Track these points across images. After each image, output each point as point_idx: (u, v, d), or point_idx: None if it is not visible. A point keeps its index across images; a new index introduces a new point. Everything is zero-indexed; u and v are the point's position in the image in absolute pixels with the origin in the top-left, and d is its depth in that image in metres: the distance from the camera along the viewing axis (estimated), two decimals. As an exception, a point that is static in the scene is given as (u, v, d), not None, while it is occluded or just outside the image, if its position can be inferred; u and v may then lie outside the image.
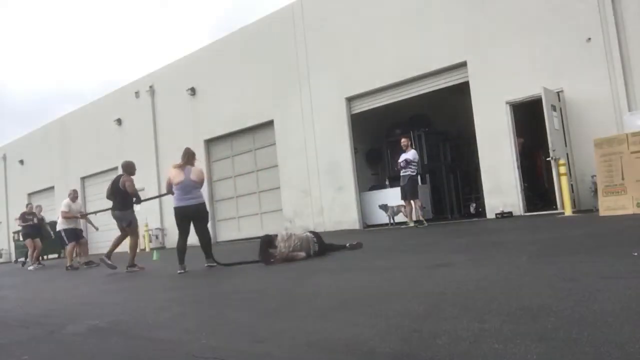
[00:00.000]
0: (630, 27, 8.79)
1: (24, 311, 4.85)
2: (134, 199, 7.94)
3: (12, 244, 21.98)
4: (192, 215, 6.58)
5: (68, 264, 10.66)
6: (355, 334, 2.42)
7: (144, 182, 18.08)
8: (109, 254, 8.32)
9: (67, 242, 10.98)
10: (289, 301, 3.61)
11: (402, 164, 10.44)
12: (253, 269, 6.34)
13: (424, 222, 10.45)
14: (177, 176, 6.52)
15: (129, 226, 8.10)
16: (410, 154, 10.46)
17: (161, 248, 16.34)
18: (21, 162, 24.83)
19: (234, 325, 3.00)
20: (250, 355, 2.34)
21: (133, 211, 8.19)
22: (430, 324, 2.40)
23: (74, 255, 11.47)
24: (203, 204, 6.76)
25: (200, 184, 6.72)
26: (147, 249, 15.58)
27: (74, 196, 11.33)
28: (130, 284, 6.51)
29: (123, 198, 7.90)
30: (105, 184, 21.95)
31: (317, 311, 3.10)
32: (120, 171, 8.59)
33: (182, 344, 2.68)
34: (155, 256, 11.22)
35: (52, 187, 23.02)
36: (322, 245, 6.58)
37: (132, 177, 7.99)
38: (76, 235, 11.12)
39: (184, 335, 2.91)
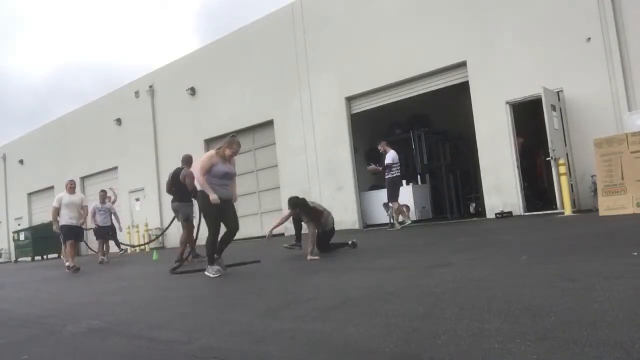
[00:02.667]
0: (630, 27, 8.79)
1: (24, 311, 4.85)
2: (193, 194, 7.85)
3: (12, 244, 21.98)
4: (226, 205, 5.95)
5: (70, 265, 9.37)
6: (355, 334, 2.43)
7: (144, 182, 18.13)
8: (192, 252, 8.16)
9: (62, 240, 9.80)
10: (289, 301, 3.60)
11: (386, 171, 10.29)
12: (253, 269, 6.34)
13: (405, 222, 10.25)
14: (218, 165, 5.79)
15: (186, 220, 8.03)
16: (389, 157, 10.28)
17: (161, 248, 16.33)
18: (21, 162, 24.84)
19: (234, 325, 3.00)
20: (250, 355, 2.34)
21: (192, 205, 8.11)
22: (430, 324, 2.40)
23: (103, 252, 11.56)
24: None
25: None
26: (147, 249, 15.56)
27: (71, 187, 9.57)
28: (131, 284, 6.51)
29: (182, 191, 7.98)
30: (105, 184, 21.95)
31: (317, 311, 3.10)
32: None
33: (182, 344, 2.68)
34: (155, 256, 11.23)
35: (52, 187, 23.01)
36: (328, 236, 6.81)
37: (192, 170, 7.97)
38: (74, 233, 9.60)
39: (184, 335, 2.91)
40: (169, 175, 8.62)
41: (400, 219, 10.25)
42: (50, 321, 3.98)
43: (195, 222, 7.89)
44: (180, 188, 8.08)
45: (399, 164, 10.37)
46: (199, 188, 5.93)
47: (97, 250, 11.98)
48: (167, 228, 10.84)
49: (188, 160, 8.34)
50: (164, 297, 4.78)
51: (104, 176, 20.24)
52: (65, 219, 9.25)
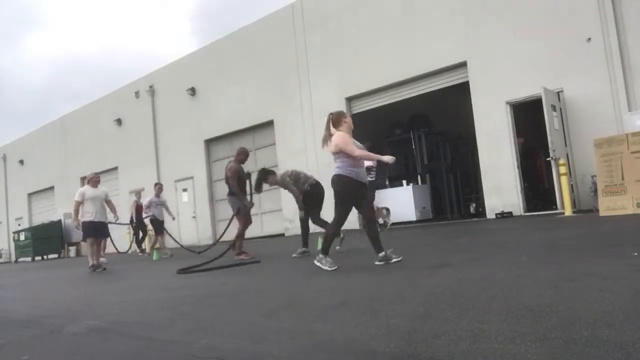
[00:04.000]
0: (630, 27, 8.79)
1: (24, 311, 4.85)
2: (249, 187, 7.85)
3: (12, 244, 21.97)
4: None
5: (91, 262, 8.78)
6: (355, 334, 2.42)
7: (144, 182, 18.13)
8: (238, 249, 7.94)
9: (82, 237, 9.11)
10: (289, 301, 3.60)
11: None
12: (253, 269, 6.34)
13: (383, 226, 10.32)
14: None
15: (237, 214, 7.94)
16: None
17: (160, 248, 16.29)
18: (21, 162, 24.85)
19: (234, 325, 3.00)
20: (250, 355, 2.34)
21: (243, 199, 7.94)
22: (430, 324, 2.40)
23: (156, 245, 11.39)
24: (335, 175, 5.04)
25: (338, 153, 4.99)
26: (148, 249, 15.53)
27: (95, 180, 8.92)
28: (131, 284, 6.51)
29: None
30: (105, 184, 21.92)
31: (317, 311, 3.10)
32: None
33: (182, 344, 2.68)
34: (155, 256, 11.23)
35: (52, 187, 23.02)
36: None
37: (241, 164, 7.92)
38: (96, 230, 8.81)
39: (184, 335, 2.91)
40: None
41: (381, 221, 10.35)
42: (50, 321, 3.98)
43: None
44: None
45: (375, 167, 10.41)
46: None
47: (157, 245, 11.68)
48: (229, 224, 9.71)
49: (237, 153, 8.17)
50: (164, 297, 4.77)
51: (104, 176, 20.21)
52: (88, 214, 8.60)
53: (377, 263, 4.96)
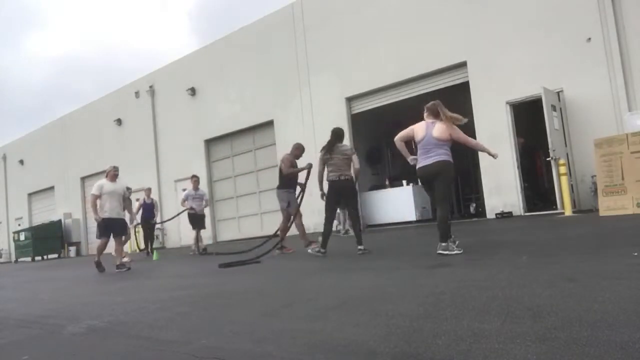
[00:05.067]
0: (630, 27, 8.79)
1: (24, 311, 4.85)
2: (299, 181, 7.76)
3: (12, 244, 21.97)
4: (428, 177, 5.33)
5: (96, 259, 8.32)
6: (355, 334, 2.43)
7: (144, 182, 18.12)
8: (280, 244, 7.94)
9: (97, 235, 8.44)
10: (289, 301, 3.60)
11: None
12: (253, 269, 6.34)
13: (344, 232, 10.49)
14: (419, 132, 5.31)
15: (288, 206, 7.89)
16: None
17: (161, 248, 16.32)
18: (21, 162, 24.85)
19: (234, 325, 3.00)
20: (250, 355, 2.34)
21: (293, 192, 7.91)
22: (430, 324, 2.40)
23: (197, 242, 10.81)
24: (447, 161, 5.19)
25: (447, 141, 5.22)
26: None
27: (113, 174, 8.42)
28: (131, 283, 6.51)
29: (282, 177, 7.90)
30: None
31: (317, 311, 3.10)
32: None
33: (182, 344, 2.68)
34: (155, 256, 11.23)
35: (52, 187, 23.02)
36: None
37: (296, 157, 7.91)
38: (114, 228, 8.18)
39: (184, 335, 2.91)
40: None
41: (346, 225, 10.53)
42: (50, 321, 3.98)
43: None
44: (281, 174, 7.99)
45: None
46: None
47: (193, 241, 11.13)
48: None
49: (293, 148, 8.09)
50: (164, 297, 4.77)
51: (104, 176, 20.22)
52: (104, 210, 8.00)
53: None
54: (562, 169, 8.63)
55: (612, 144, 7.45)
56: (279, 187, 7.99)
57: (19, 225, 24.48)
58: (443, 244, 5.06)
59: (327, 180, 6.50)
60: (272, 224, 14.81)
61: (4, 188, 26.28)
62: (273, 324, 2.92)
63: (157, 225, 12.73)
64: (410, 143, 5.49)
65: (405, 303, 2.96)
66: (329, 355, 2.18)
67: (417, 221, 11.74)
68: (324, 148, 6.53)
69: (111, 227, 8.05)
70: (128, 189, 9.46)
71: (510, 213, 9.93)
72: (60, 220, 21.13)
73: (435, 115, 5.30)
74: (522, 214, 9.86)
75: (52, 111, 71.08)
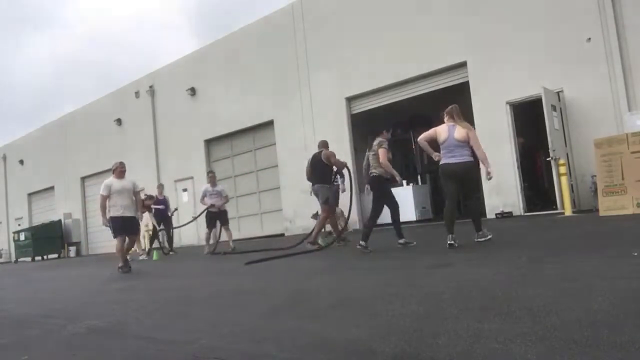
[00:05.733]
0: (630, 27, 8.78)
1: (24, 311, 4.85)
2: (336, 174, 7.96)
3: (12, 244, 21.97)
4: (457, 175, 5.79)
5: (120, 264, 7.79)
6: (355, 334, 2.43)
7: (144, 182, 18.11)
8: (313, 239, 7.87)
9: (113, 235, 7.88)
10: (289, 301, 3.60)
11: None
12: (253, 268, 6.34)
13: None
14: (442, 134, 5.88)
15: (325, 203, 7.90)
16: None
17: (160, 248, 16.29)
18: (21, 162, 24.84)
19: (234, 325, 3.00)
20: (250, 355, 2.34)
21: (330, 188, 8.05)
22: (430, 324, 2.40)
23: (209, 241, 10.25)
24: (473, 162, 5.86)
25: (466, 142, 5.77)
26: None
27: (120, 170, 7.94)
28: (130, 284, 6.51)
29: (322, 172, 8.01)
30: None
31: (317, 311, 3.10)
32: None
33: (182, 344, 2.68)
34: (155, 256, 11.23)
35: (52, 187, 23.02)
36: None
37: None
38: (127, 226, 7.70)
39: (184, 335, 2.91)
40: (307, 162, 8.59)
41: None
42: (50, 321, 3.98)
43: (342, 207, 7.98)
44: (320, 169, 8.08)
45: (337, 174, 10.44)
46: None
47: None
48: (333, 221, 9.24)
49: (326, 144, 8.41)
50: (164, 297, 4.77)
51: (104, 176, 20.13)
52: (116, 209, 7.56)
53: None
54: (562, 169, 8.62)
55: (612, 144, 7.45)
56: (322, 182, 8.00)
57: (19, 225, 24.48)
58: (480, 232, 5.78)
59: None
60: (272, 224, 14.84)
61: (4, 188, 26.28)
62: (273, 324, 2.92)
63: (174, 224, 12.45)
64: (432, 142, 6.02)
65: (405, 303, 2.96)
66: (329, 355, 2.18)
67: (417, 221, 11.73)
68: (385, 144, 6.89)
69: (124, 226, 7.59)
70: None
71: (510, 213, 9.93)
72: (60, 220, 21.13)
73: (452, 117, 5.92)
74: (522, 214, 9.86)
75: (52, 111, 71.10)
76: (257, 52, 14.68)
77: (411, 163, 13.85)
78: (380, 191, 6.75)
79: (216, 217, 10.32)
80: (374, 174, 6.63)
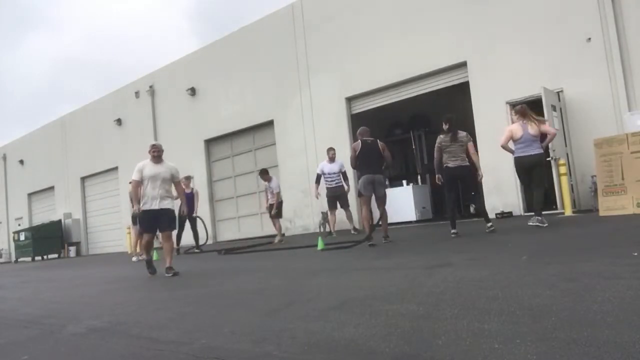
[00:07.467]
0: (630, 27, 8.79)
1: (24, 311, 4.85)
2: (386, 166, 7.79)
3: (12, 244, 21.97)
4: (530, 166, 6.82)
5: (141, 257, 7.06)
6: (355, 334, 2.43)
7: (144, 182, 18.11)
8: (385, 233, 7.57)
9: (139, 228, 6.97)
10: (289, 301, 3.60)
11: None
12: (253, 269, 6.34)
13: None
14: (517, 132, 6.87)
15: (360, 196, 7.58)
16: (336, 166, 10.56)
17: (161, 248, 16.29)
18: (21, 162, 24.84)
19: (234, 325, 3.00)
20: (250, 355, 2.34)
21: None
22: (430, 324, 2.40)
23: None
24: (543, 155, 6.89)
25: (537, 136, 6.82)
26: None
27: (155, 153, 6.76)
28: (130, 284, 6.51)
29: (380, 162, 7.54)
30: (105, 184, 21.89)
31: (317, 311, 3.10)
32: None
33: (182, 344, 2.68)
34: (155, 256, 11.20)
35: (52, 187, 23.02)
36: None
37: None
38: (156, 221, 6.59)
39: (184, 335, 2.91)
40: (355, 150, 7.69)
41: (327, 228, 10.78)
42: (50, 321, 3.98)
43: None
44: (378, 160, 7.55)
45: (335, 174, 10.53)
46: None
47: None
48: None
49: (367, 132, 7.82)
50: (164, 297, 4.77)
51: (104, 176, 20.24)
52: (144, 200, 6.44)
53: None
54: (562, 169, 8.63)
55: (612, 144, 7.45)
56: (381, 173, 7.65)
57: (19, 225, 24.47)
58: (539, 217, 6.71)
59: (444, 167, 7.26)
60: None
61: (4, 188, 26.27)
62: (273, 324, 2.92)
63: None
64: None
65: (405, 303, 2.96)
66: (329, 355, 2.18)
67: (417, 221, 11.73)
68: (445, 134, 7.21)
69: (154, 221, 6.50)
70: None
71: (510, 213, 9.93)
72: (60, 220, 21.14)
73: (524, 116, 6.87)
74: (522, 214, 9.86)
75: (52, 111, 71.07)
76: (257, 52, 14.68)
77: (411, 163, 13.85)
78: (472, 180, 7.27)
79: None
80: (467, 165, 7.12)
